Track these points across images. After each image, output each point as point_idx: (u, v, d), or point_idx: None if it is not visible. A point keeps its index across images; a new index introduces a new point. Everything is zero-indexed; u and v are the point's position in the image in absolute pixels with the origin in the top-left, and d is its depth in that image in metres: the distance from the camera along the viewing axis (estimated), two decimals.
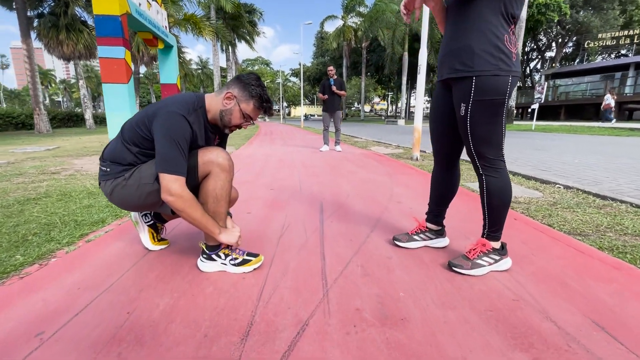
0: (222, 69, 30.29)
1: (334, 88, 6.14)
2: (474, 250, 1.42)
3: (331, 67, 6.15)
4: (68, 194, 2.87)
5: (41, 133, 16.29)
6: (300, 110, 28.82)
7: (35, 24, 19.76)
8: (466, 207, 2.41)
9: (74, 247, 1.73)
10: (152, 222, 1.65)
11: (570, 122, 18.72)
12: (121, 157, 1.30)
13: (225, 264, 1.41)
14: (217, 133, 1.47)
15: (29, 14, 18.85)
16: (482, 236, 1.44)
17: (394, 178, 3.63)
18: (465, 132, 1.32)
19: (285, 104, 77.06)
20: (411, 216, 2.20)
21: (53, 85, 69.63)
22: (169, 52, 8.23)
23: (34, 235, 1.86)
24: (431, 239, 1.69)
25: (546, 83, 13.44)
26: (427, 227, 1.69)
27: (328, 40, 34.43)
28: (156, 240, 1.66)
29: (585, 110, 23.55)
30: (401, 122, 25.72)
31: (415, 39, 28.01)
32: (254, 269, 1.43)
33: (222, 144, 1.58)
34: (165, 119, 1.21)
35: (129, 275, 1.41)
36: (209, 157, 1.29)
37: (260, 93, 1.33)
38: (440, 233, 1.69)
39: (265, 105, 1.36)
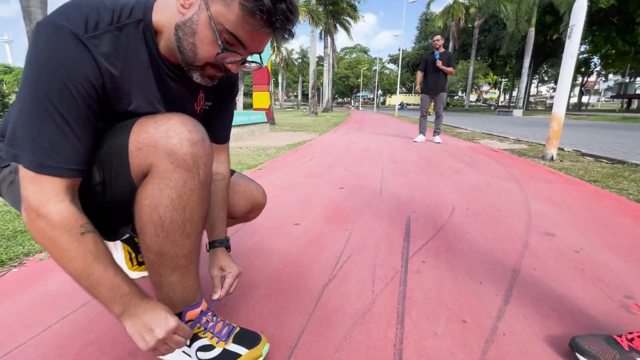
0: (320, 58, 30.46)
1: (439, 63, 4.88)
2: None
3: (438, 37, 4.90)
4: None
5: None
6: (395, 99, 27.08)
7: None
8: None
9: None
10: (127, 235, 1.05)
11: None
12: None
13: (190, 356, 0.69)
14: (199, 86, 0.72)
15: None
16: None
17: (525, 186, 2.41)
18: None
19: (380, 92, 74.57)
20: (598, 279, 1.12)
21: None
22: None
23: None
24: None
25: None
26: None
27: (434, 20, 31.10)
28: (135, 263, 1.07)
29: None
30: (517, 112, 21.57)
31: (546, 10, 22.83)
32: None
33: (216, 113, 0.83)
34: (32, 45, 0.52)
35: (59, 326, 0.83)
36: (151, 135, 0.57)
37: None
38: None
39: (269, 7, 0.53)
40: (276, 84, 69.25)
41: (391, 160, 3.60)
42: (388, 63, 69.08)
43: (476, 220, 1.68)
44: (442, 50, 4.94)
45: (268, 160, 3.48)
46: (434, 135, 5.30)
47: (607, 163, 3.67)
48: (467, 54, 35.42)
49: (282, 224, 1.58)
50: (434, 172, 2.91)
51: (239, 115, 6.18)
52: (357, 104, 66.55)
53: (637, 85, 27.20)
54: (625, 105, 27.56)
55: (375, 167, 3.13)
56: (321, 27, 25.96)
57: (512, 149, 4.83)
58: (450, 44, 31.45)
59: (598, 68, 37.11)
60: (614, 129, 8.74)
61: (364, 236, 1.45)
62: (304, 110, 27.60)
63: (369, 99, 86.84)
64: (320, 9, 24.70)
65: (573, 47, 3.74)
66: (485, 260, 1.24)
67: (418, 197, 2.08)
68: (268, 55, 7.62)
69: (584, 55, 36.32)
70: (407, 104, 59.47)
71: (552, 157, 3.93)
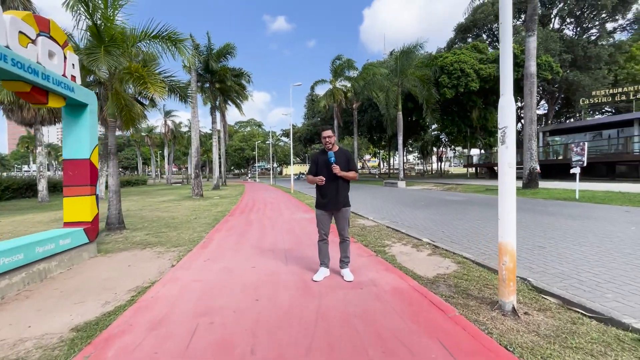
0: (212, 131, 28.48)
1: (336, 169, 3.35)
2: None
3: (329, 133, 3.44)
4: None
5: None
6: (291, 169, 26.83)
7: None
8: None
9: None
10: None
11: (603, 183, 16.48)
12: None
13: None
14: None
15: None
16: None
17: None
18: None
19: (276, 164, 76.03)
20: None
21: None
22: (78, 113, 4.79)
23: None
24: None
25: (587, 143, 11.30)
26: None
27: (319, 102, 33.84)
28: None
29: (597, 168, 21.77)
30: (401, 183, 23.46)
31: (408, 98, 27.20)
32: None
33: None
34: None
35: None
36: None
37: None
38: None
39: None
40: (162, 157, 62.91)
41: None
42: (281, 136, 72.25)
43: None
44: (336, 148, 3.49)
45: None
46: (341, 268, 3.58)
47: (589, 319, 2.52)
48: (350, 130, 39.25)
49: None
50: None
51: (4, 254, 3.31)
52: (252, 175, 65.58)
53: (474, 157, 33.81)
54: (474, 171, 33.49)
55: None
56: (210, 104, 24.62)
57: (441, 275, 3.48)
58: (335, 122, 34.22)
59: (446, 142, 46.47)
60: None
61: None
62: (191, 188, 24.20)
63: (266, 169, 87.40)
64: (207, 86, 23.65)
65: (510, 156, 2.70)
66: None
67: None
68: (92, 145, 5.12)
69: (436, 132, 45.08)
70: (303, 174, 61.62)
71: (514, 309, 2.62)
